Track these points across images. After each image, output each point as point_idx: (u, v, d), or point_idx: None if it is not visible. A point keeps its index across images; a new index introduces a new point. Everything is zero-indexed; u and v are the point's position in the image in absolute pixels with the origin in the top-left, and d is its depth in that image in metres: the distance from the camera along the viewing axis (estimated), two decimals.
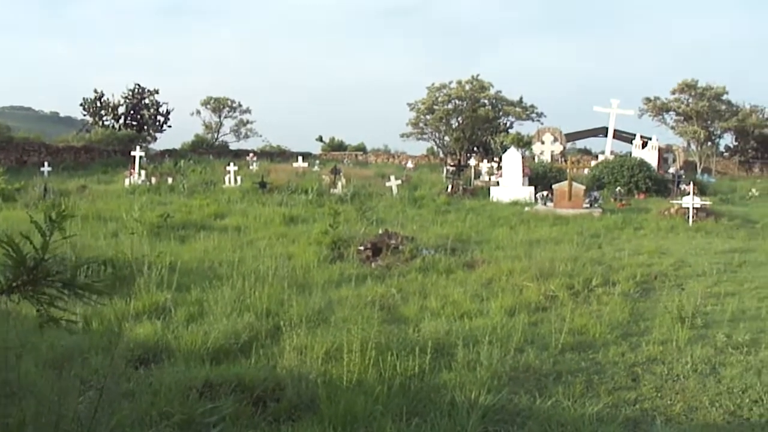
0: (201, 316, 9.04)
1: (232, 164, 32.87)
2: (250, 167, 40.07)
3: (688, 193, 22.79)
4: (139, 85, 57.58)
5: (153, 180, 31.62)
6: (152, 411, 5.72)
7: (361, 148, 63.95)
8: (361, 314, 8.94)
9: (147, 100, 57.37)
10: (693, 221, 20.93)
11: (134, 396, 6.18)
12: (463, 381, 6.89)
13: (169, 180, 31.37)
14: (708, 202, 23.60)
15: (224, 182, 31.06)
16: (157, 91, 57.73)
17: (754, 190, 34.83)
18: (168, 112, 58.16)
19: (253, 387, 6.40)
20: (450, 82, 54.43)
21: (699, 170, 50.35)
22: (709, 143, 55.10)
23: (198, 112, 61.62)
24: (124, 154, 43.78)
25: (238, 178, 31.41)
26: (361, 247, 14.00)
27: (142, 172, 32.58)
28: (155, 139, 58.13)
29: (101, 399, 5.26)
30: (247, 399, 6.20)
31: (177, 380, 6.36)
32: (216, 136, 61.95)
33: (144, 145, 48.71)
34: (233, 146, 60.86)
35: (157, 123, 57.82)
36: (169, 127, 58.62)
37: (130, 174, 32.33)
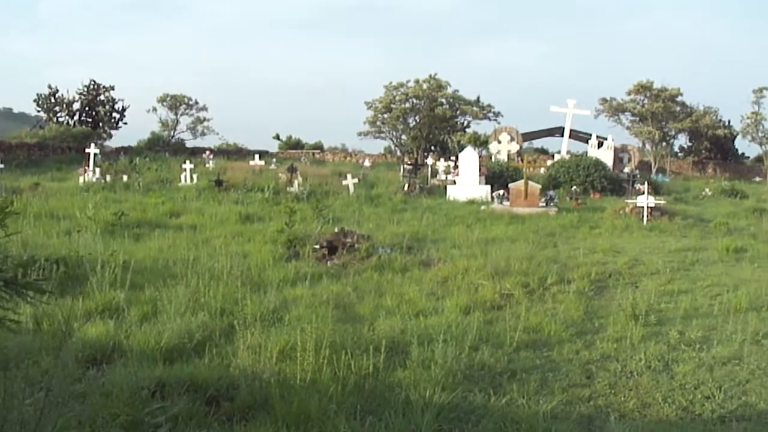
0: (154, 316, 8.96)
1: (188, 162, 32.57)
2: (207, 165, 39.76)
3: (643, 193, 23.01)
4: (94, 81, 57.04)
5: (108, 177, 31.25)
6: (102, 412, 5.66)
7: (319, 147, 63.90)
8: (316, 313, 8.93)
9: (102, 97, 56.77)
10: (647, 220, 21.14)
11: (85, 397, 6.12)
12: (418, 379, 6.90)
13: (125, 178, 31.03)
14: (662, 202, 23.85)
15: (180, 180, 30.79)
16: (112, 88, 57.22)
17: (707, 189, 35.26)
18: (124, 109, 57.67)
19: (207, 387, 6.37)
20: (408, 81, 54.56)
21: (654, 170, 50.99)
22: (664, 143, 55.84)
23: (154, 109, 61.16)
24: (78, 151, 43.15)
25: (195, 176, 31.16)
26: (317, 246, 13.97)
27: (97, 170, 32.13)
28: (110, 136, 57.63)
29: (47, 401, 5.19)
30: (200, 399, 6.17)
31: (129, 380, 6.29)
32: (172, 133, 61.49)
33: (99, 142, 48.20)
34: (190, 144, 60.55)
35: (113, 120, 57.26)
36: (125, 124, 58.18)
37: (85, 171, 31.90)
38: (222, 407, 6.11)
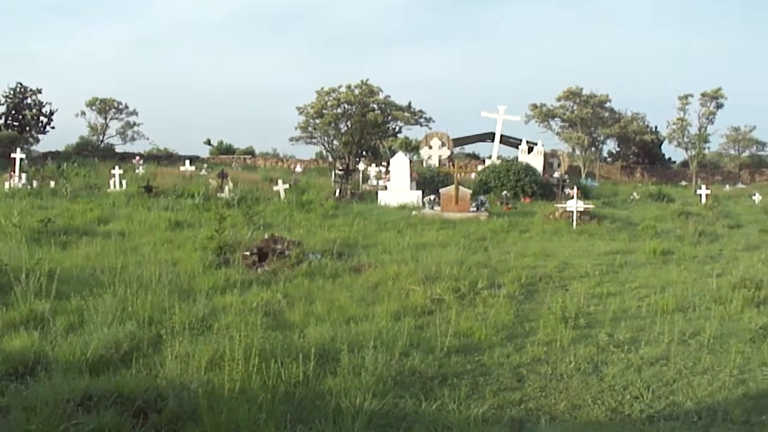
0: (81, 326, 8.79)
1: (117, 167, 32.05)
2: (137, 171, 39.12)
3: (572, 197, 23.29)
4: (20, 84, 55.63)
5: (34, 183, 30.57)
6: (25, 427, 5.55)
7: (250, 152, 63.40)
8: (246, 321, 8.88)
9: (29, 100, 55.46)
10: (577, 224, 21.40)
11: (7, 411, 5.99)
12: (348, 386, 6.90)
13: (52, 183, 30.37)
14: (591, 206, 24.17)
15: (109, 186, 30.26)
16: (39, 91, 55.89)
17: (635, 193, 35.80)
18: (51, 113, 56.36)
19: (134, 398, 6.26)
20: (339, 87, 54.37)
21: (583, 175, 51.67)
22: (593, 149, 56.67)
23: (83, 113, 59.73)
24: (3, 156, 42.09)
25: (124, 182, 30.65)
26: (247, 252, 13.87)
27: (23, 175, 31.39)
28: (38, 140, 56.22)
29: None
30: (128, 411, 6.07)
31: (53, 393, 6.15)
32: (101, 138, 60.31)
33: (25, 146, 47.23)
34: (119, 149, 59.43)
35: (40, 124, 55.96)
36: (53, 128, 56.73)
37: (10, 177, 31.16)
38: (150, 419, 6.02)
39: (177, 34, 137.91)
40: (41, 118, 55.84)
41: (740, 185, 51.74)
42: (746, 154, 62.61)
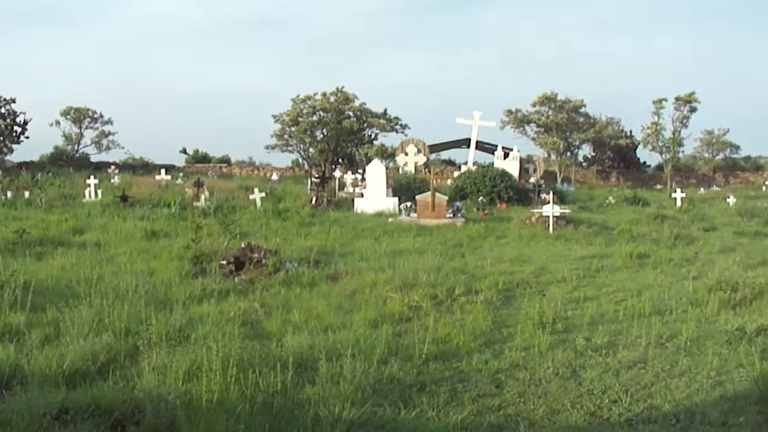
0: (57, 338, 8.72)
1: (92, 177, 31.96)
2: (112, 180, 39.07)
3: (549, 202, 23.38)
4: None
5: (8, 194, 30.47)
6: None
7: (226, 160, 63.37)
8: (223, 330, 8.81)
9: (3, 110, 55.05)
10: (553, 229, 21.49)
11: None
12: (327, 395, 6.87)
13: (26, 194, 30.26)
14: (567, 211, 24.30)
15: (84, 196, 30.16)
16: (13, 100, 55.40)
17: (610, 198, 36.08)
18: (25, 123, 55.87)
19: (111, 410, 6.19)
20: (315, 94, 54.34)
21: (559, 179, 51.93)
22: (568, 153, 57.02)
23: (57, 122, 59.32)
24: None
25: (99, 192, 30.55)
26: (224, 262, 13.83)
27: None
28: (11, 150, 55.76)
29: None
30: (105, 423, 6.01)
31: (29, 406, 6.08)
32: (76, 147, 59.95)
33: None
34: (94, 158, 59.19)
35: (14, 134, 55.50)
36: (27, 138, 56.20)
37: None
38: (127, 431, 5.97)
39: (151, 41, 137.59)
40: (15, 127, 55.36)
41: (715, 188, 52.28)
42: (720, 157, 63.19)
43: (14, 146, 56.05)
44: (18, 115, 55.60)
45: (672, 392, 7.47)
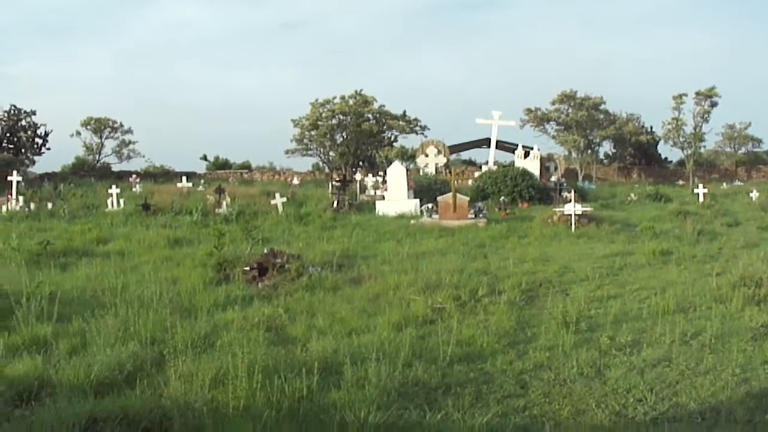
0: (84, 348, 8.78)
1: (114, 186, 32.08)
2: (134, 189, 39.14)
3: (570, 201, 23.32)
4: (14, 106, 55.50)
5: (32, 205, 30.52)
6: None
7: (247, 166, 63.41)
8: (248, 337, 8.89)
9: (24, 122, 55.38)
10: (575, 227, 21.44)
11: None
12: (352, 399, 6.91)
13: (49, 205, 30.37)
14: (589, 208, 24.24)
15: (107, 205, 30.22)
16: (34, 112, 55.78)
17: (632, 194, 35.84)
18: (47, 134, 56.22)
19: (139, 419, 6.26)
20: (334, 98, 54.29)
21: (580, 177, 51.71)
22: (589, 151, 56.66)
23: (78, 133, 59.43)
24: (0, 179, 42.18)
25: (121, 201, 30.61)
26: (247, 268, 13.85)
27: (20, 198, 31.33)
28: (33, 162, 56.07)
29: None
30: None
31: (59, 417, 6.15)
32: (97, 157, 60.17)
33: (22, 168, 47.13)
34: (116, 168, 59.32)
35: (36, 145, 55.87)
36: (48, 149, 56.57)
37: (8, 200, 31.12)
38: None
39: (169, 49, 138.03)
40: (36, 139, 55.75)
41: (737, 183, 51.77)
42: (742, 151, 62.56)
43: (36, 158, 56.42)
44: (39, 127, 55.98)
45: (697, 390, 7.46)
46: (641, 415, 6.87)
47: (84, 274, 14.10)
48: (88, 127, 59.31)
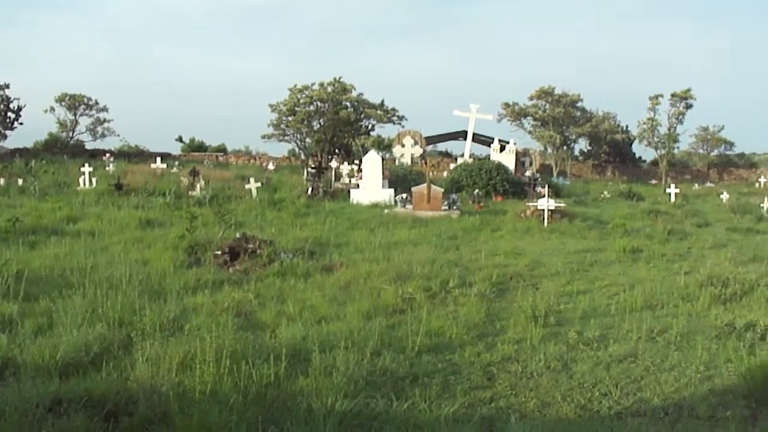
0: (50, 328, 8.72)
1: (87, 165, 31.74)
2: (107, 168, 38.73)
3: (544, 196, 23.39)
4: None
5: (2, 181, 30.30)
6: None
7: (222, 149, 63.09)
8: (217, 321, 8.87)
9: None
10: (548, 222, 21.52)
11: None
12: (320, 387, 6.92)
13: (20, 181, 30.07)
14: (562, 204, 24.31)
15: (79, 184, 29.95)
16: (7, 86, 54.95)
17: (605, 192, 36.05)
18: (19, 109, 55.42)
19: (105, 401, 6.22)
20: (312, 84, 54.11)
21: (555, 173, 51.95)
22: (565, 147, 56.92)
23: (52, 109, 58.85)
24: None
25: (94, 180, 30.34)
26: (219, 252, 13.82)
27: None
28: (5, 137, 55.33)
29: None
30: (98, 414, 6.03)
31: (23, 398, 6.10)
32: (71, 134, 59.60)
33: None
34: (89, 146, 58.70)
35: (7, 120, 55.24)
36: (21, 124, 55.74)
37: None
38: (121, 422, 6.00)
39: (149, 29, 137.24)
40: (8, 114, 55.03)
41: (709, 184, 52.26)
42: (715, 153, 63.13)
43: (8, 132, 55.64)
44: (12, 101, 55.15)
45: (661, 386, 7.55)
46: (606, 410, 6.94)
47: (53, 253, 13.99)
48: (63, 103, 58.68)
